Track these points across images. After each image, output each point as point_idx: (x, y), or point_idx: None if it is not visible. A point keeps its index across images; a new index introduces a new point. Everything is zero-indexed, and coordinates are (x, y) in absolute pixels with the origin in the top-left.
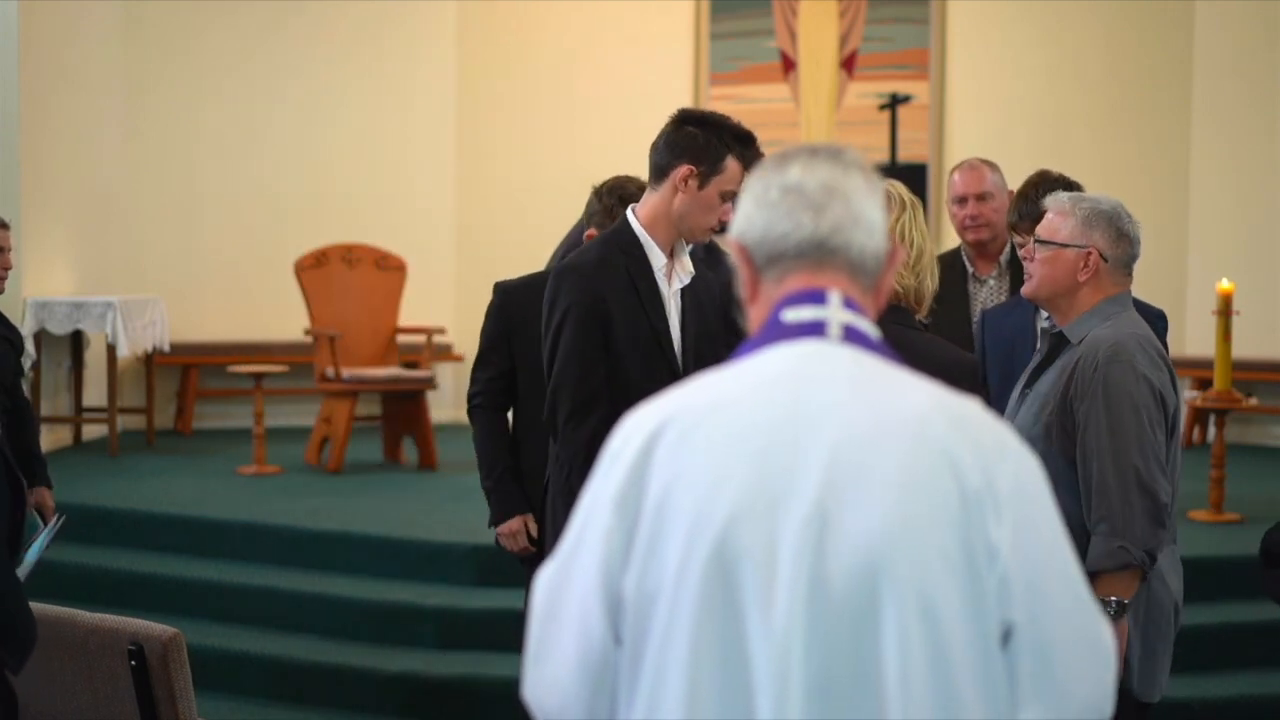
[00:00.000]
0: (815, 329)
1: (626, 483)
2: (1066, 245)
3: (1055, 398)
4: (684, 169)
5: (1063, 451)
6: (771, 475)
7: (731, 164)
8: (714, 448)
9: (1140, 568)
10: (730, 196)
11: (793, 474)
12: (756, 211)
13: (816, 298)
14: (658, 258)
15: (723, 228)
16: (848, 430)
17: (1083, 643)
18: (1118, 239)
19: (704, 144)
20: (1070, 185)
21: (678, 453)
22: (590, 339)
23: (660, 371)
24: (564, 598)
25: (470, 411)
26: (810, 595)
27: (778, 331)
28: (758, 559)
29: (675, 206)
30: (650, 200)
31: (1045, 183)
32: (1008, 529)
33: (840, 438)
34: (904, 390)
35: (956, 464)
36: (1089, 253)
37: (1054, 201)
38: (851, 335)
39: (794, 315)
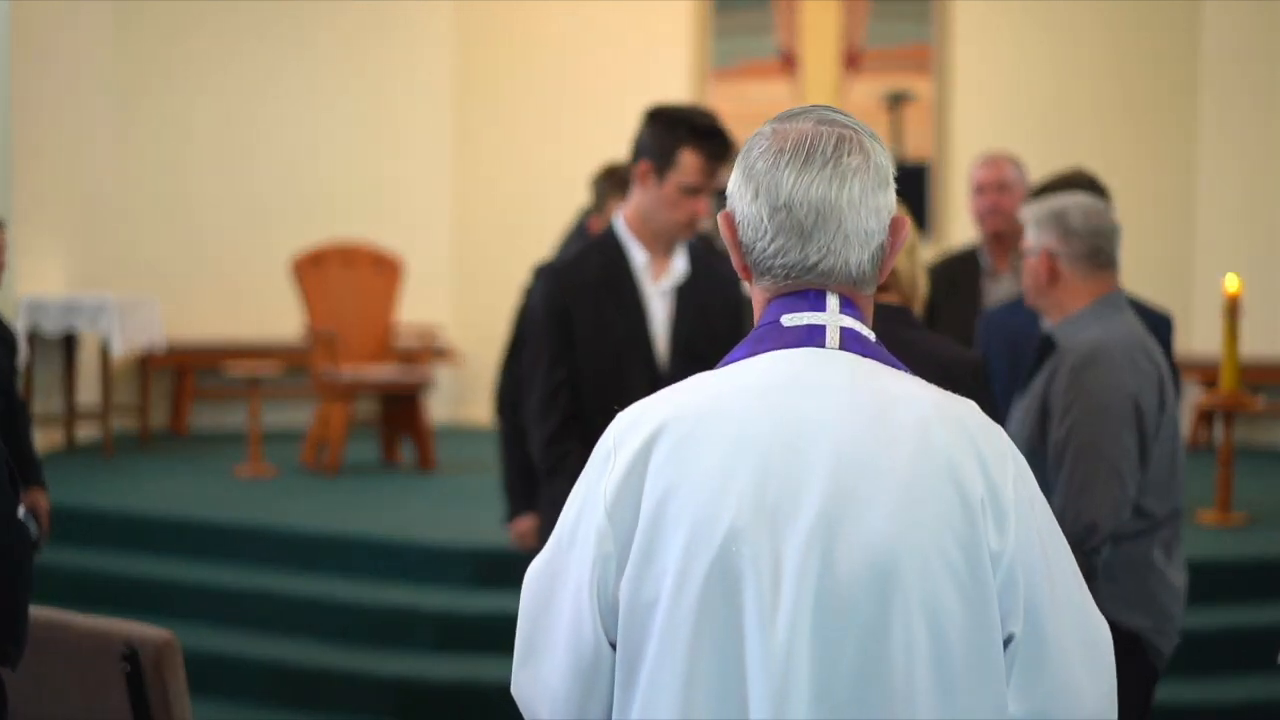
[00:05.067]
0: (814, 334)
1: (621, 485)
2: (1029, 251)
3: (1039, 398)
4: (642, 165)
5: (1044, 451)
6: (774, 487)
7: (687, 157)
8: (714, 455)
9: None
10: (692, 190)
11: (795, 485)
12: (746, 209)
13: (815, 302)
14: (638, 256)
15: (697, 222)
16: (849, 440)
17: (1083, 645)
18: (1065, 237)
19: (657, 138)
20: (1094, 186)
21: (676, 458)
22: (554, 339)
23: (637, 369)
24: (555, 597)
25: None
26: (816, 606)
27: (776, 335)
28: (761, 571)
29: (643, 204)
30: (630, 199)
31: (1065, 182)
32: (1011, 537)
33: (842, 448)
34: (904, 396)
35: (957, 472)
36: (1042, 255)
37: (1025, 210)
38: (850, 340)
39: (792, 320)
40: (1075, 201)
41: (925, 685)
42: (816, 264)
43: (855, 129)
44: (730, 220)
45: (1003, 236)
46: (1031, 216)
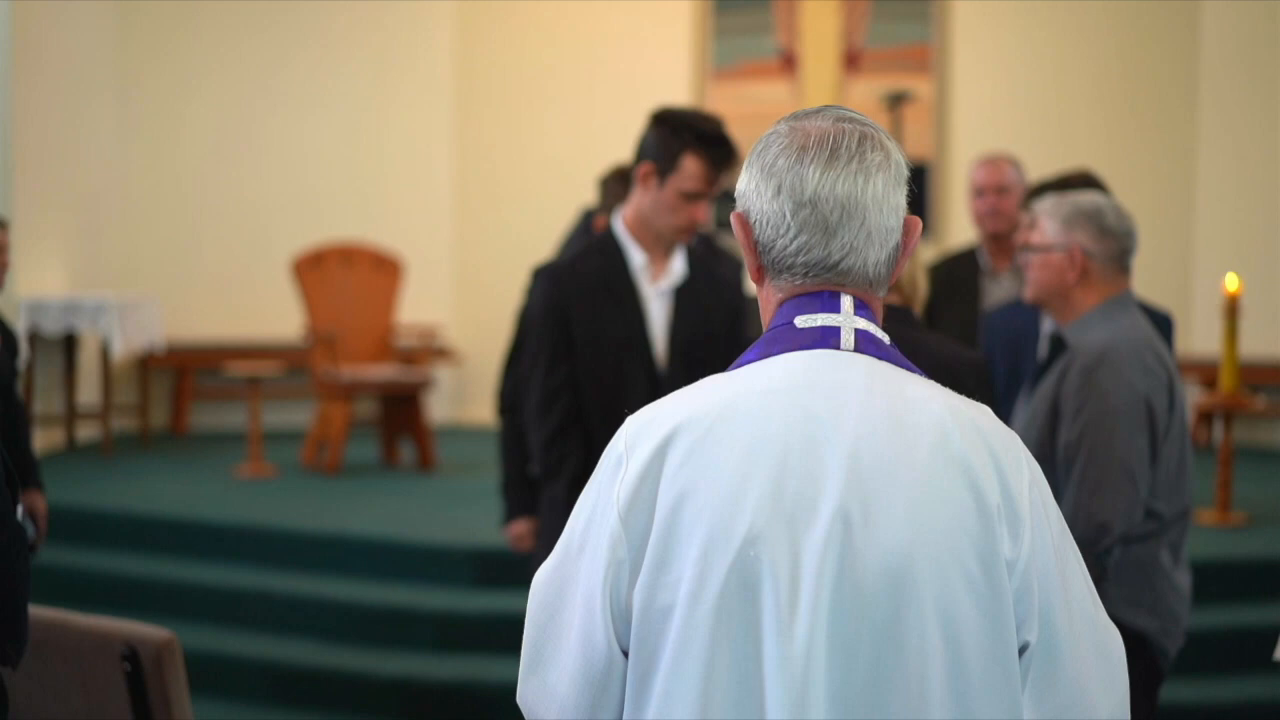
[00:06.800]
0: (828, 336)
1: (635, 490)
2: (1052, 248)
3: (1049, 399)
4: (644, 167)
5: (1053, 452)
6: (790, 490)
7: (689, 163)
8: (729, 460)
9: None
10: (692, 197)
11: (812, 488)
12: (766, 206)
13: (829, 303)
14: (636, 257)
15: (696, 227)
16: (865, 442)
17: (1096, 653)
18: (1100, 236)
19: (661, 142)
20: (1102, 188)
21: (691, 463)
22: (552, 340)
23: (635, 371)
24: (564, 604)
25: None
26: (833, 609)
27: (789, 337)
28: (779, 574)
29: (643, 206)
30: (631, 200)
31: (1075, 181)
32: (1026, 545)
33: (858, 450)
34: (920, 400)
35: (974, 478)
36: (1073, 252)
37: (1040, 205)
38: (865, 342)
39: (806, 321)
40: (1105, 201)
41: (940, 689)
42: (838, 262)
43: (874, 127)
44: (744, 220)
45: (1002, 238)
46: (1058, 212)
